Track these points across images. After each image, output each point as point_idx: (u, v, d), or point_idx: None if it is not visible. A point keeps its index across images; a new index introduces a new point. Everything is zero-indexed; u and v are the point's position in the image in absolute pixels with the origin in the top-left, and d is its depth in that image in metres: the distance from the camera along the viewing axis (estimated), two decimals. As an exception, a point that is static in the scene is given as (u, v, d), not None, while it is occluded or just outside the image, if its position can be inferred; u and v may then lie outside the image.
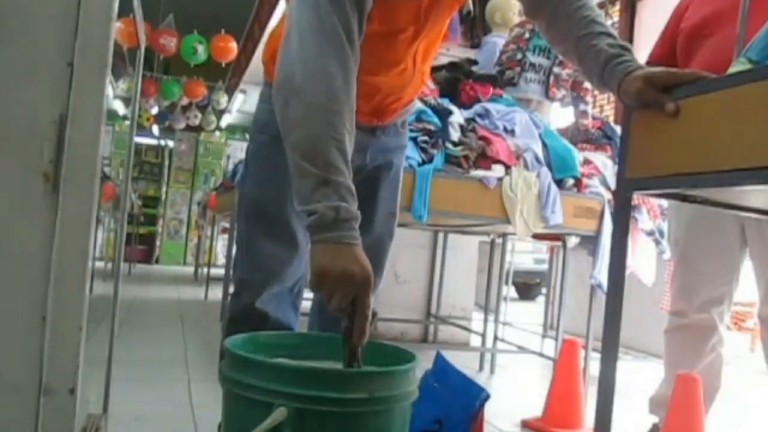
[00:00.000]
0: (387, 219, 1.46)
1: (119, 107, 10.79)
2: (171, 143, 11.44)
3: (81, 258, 1.00)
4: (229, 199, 4.83)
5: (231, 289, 1.45)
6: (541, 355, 3.31)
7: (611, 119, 4.76)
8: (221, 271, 5.47)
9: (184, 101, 9.02)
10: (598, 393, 1.15)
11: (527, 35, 3.10)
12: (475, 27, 4.09)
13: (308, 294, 1.54)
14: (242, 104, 11.09)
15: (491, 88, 2.85)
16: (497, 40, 3.40)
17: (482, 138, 2.53)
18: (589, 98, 3.20)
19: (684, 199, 1.29)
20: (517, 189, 2.50)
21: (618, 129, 2.91)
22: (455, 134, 2.50)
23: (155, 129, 10.91)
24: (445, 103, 2.57)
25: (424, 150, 2.41)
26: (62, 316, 0.99)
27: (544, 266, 6.72)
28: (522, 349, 3.47)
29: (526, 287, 9.64)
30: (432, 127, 2.45)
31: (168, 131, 11.00)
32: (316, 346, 1.15)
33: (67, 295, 0.99)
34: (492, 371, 3.46)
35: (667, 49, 2.09)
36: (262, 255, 1.34)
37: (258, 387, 0.89)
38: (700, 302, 2.01)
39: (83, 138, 1.00)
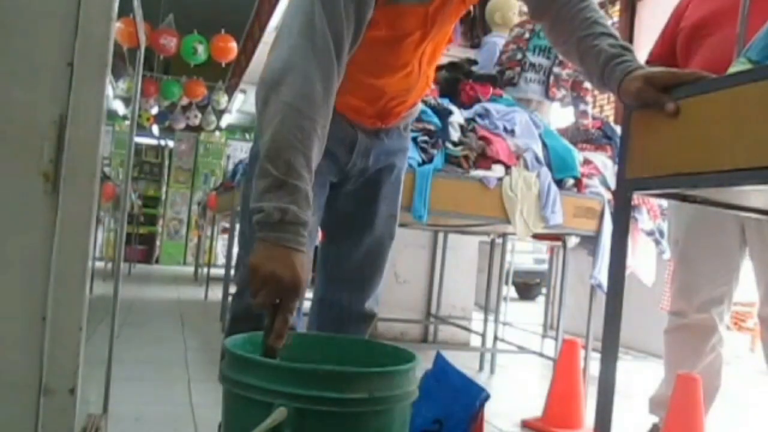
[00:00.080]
0: (388, 221, 1.47)
1: (119, 107, 10.79)
2: (171, 143, 11.44)
3: (81, 258, 1.00)
4: (229, 199, 4.84)
5: (233, 289, 1.45)
6: (541, 355, 3.31)
7: (611, 119, 4.76)
8: (221, 271, 5.47)
9: (184, 101, 9.01)
10: (598, 393, 1.15)
11: (527, 35, 3.10)
12: (475, 27, 4.09)
13: (308, 294, 1.54)
14: (242, 104, 11.09)
15: (491, 88, 2.85)
16: (497, 40, 3.40)
17: (482, 138, 2.53)
18: (589, 98, 3.19)
19: (684, 199, 1.29)
20: (517, 189, 2.50)
21: (618, 129, 2.91)
22: (455, 134, 2.50)
23: (155, 129, 10.91)
24: (445, 103, 2.57)
25: (424, 150, 2.41)
26: (62, 316, 0.99)
27: (544, 266, 6.72)
28: (522, 349, 3.47)
29: (526, 287, 9.64)
30: (432, 127, 2.45)
31: (168, 131, 11.00)
32: (316, 346, 1.15)
33: (67, 295, 0.99)
34: (492, 371, 3.46)
35: (667, 49, 2.09)
36: None
37: (258, 387, 0.89)
38: (700, 302, 2.01)
39: (83, 138, 1.00)
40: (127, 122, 9.90)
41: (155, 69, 9.39)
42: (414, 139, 2.38)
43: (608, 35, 1.18)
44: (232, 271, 4.63)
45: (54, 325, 0.98)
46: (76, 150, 1.00)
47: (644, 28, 5.32)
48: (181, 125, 9.82)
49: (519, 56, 3.08)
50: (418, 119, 2.38)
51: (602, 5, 5.41)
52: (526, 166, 2.58)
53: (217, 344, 3.29)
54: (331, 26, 1.05)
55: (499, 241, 3.70)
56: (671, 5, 2.17)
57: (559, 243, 3.05)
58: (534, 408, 2.52)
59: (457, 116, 2.55)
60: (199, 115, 9.51)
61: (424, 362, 1.07)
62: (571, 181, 2.67)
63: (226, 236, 7.01)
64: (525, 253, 8.44)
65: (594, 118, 3.21)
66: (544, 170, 2.60)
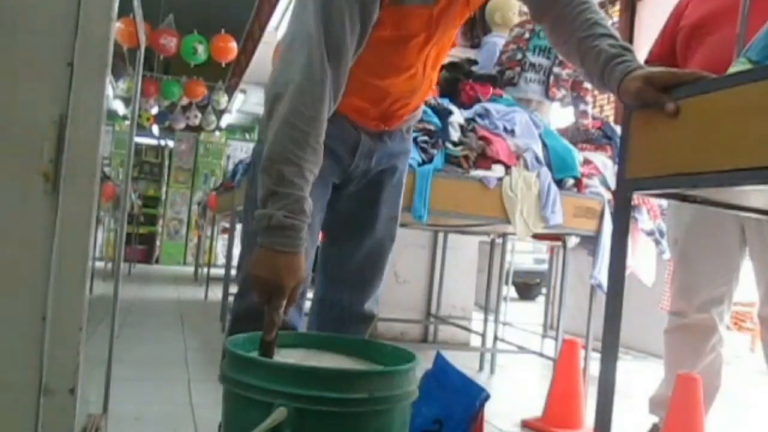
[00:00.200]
0: (388, 223, 1.48)
1: (119, 107, 10.79)
2: (171, 143, 11.44)
3: (81, 258, 1.00)
4: (229, 199, 4.83)
5: (233, 289, 1.46)
6: (541, 355, 3.31)
7: (611, 119, 4.76)
8: (221, 271, 5.47)
9: (184, 101, 9.01)
10: (598, 393, 1.15)
11: (527, 35, 3.10)
12: (475, 27, 4.09)
13: (309, 294, 1.55)
14: (242, 104, 11.10)
15: (491, 88, 2.85)
16: (497, 40, 3.40)
17: (482, 138, 2.53)
18: (589, 98, 3.19)
19: (684, 199, 1.29)
20: (517, 189, 2.50)
21: (618, 129, 2.91)
22: (455, 134, 2.50)
23: (155, 129, 10.91)
24: (445, 103, 2.57)
25: (424, 150, 2.41)
26: (62, 316, 0.99)
27: (544, 266, 6.72)
28: (522, 349, 3.47)
29: (526, 287, 9.63)
30: (432, 127, 2.45)
31: (168, 131, 11.00)
32: (316, 346, 1.15)
33: (67, 295, 0.99)
34: (492, 371, 3.46)
35: (667, 48, 2.09)
36: None
37: (258, 387, 0.89)
38: (700, 302, 2.01)
39: (83, 138, 1.00)
40: (127, 122, 9.90)
41: (155, 69, 9.38)
42: (414, 139, 2.37)
43: (608, 36, 1.18)
44: (233, 271, 4.64)
45: (54, 325, 0.98)
46: (76, 150, 1.00)
47: (644, 28, 5.32)
48: (181, 125, 9.82)
49: (519, 56, 3.08)
50: (419, 119, 2.39)
51: (602, 5, 5.41)
52: (526, 166, 2.58)
53: (217, 344, 3.29)
54: (328, 31, 1.08)
55: (499, 241, 3.70)
56: (671, 5, 2.17)
57: (559, 243, 3.05)
58: (534, 408, 2.52)
59: (457, 116, 2.54)
60: (199, 115, 9.51)
61: (424, 362, 1.07)
62: (571, 181, 2.67)
63: (226, 236, 7.02)
64: (525, 253, 8.44)
65: (594, 118, 3.21)
66: (544, 170, 2.60)
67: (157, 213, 11.17)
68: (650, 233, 2.92)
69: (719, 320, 2.01)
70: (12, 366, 0.99)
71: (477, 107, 2.70)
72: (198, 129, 10.40)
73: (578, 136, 3.06)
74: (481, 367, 3.49)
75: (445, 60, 3.01)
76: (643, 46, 3.79)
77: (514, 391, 3.17)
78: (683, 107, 1.03)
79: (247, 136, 12.00)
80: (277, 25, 6.76)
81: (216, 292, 5.71)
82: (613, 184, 2.71)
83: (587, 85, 3.08)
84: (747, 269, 2.04)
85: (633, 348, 4.43)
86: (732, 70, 1.11)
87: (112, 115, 10.73)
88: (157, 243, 11.10)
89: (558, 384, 2.43)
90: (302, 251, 1.07)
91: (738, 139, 0.94)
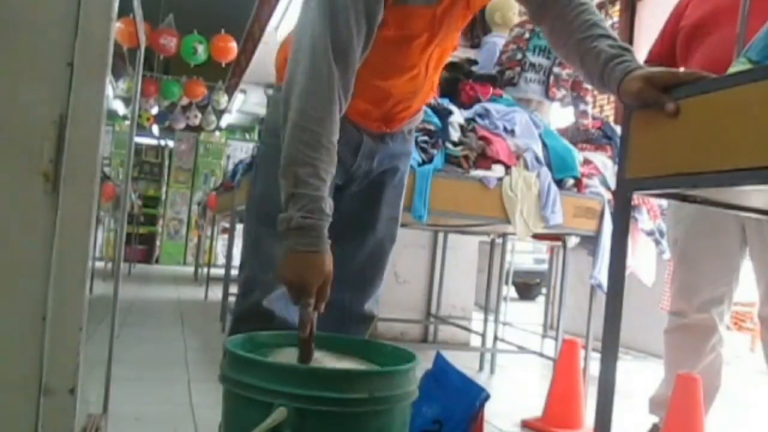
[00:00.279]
0: (389, 223, 1.48)
1: (119, 107, 10.78)
2: (171, 143, 11.44)
3: (81, 258, 1.00)
4: (229, 199, 4.83)
5: (233, 289, 1.47)
6: (541, 355, 3.31)
7: (611, 119, 4.76)
8: (221, 271, 5.47)
9: (184, 101, 9.01)
10: (598, 393, 1.15)
11: (527, 35, 3.10)
12: (475, 27, 4.08)
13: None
14: (242, 104, 11.09)
15: (491, 88, 2.85)
16: (497, 40, 3.40)
17: (482, 138, 2.53)
18: (589, 98, 3.19)
19: (684, 199, 1.29)
20: (517, 189, 2.50)
21: (618, 129, 2.91)
22: (455, 134, 2.50)
23: (155, 129, 10.90)
24: (445, 103, 2.57)
25: (424, 150, 2.41)
26: (62, 316, 0.99)
27: (544, 266, 6.72)
28: (522, 349, 3.47)
29: (526, 287, 9.63)
30: (432, 127, 2.45)
31: (168, 131, 11.00)
32: (316, 346, 1.15)
33: (67, 295, 0.99)
34: (492, 371, 3.46)
35: (667, 48, 2.09)
36: (272, 255, 1.36)
37: (258, 387, 0.89)
38: (700, 302, 2.01)
39: (83, 138, 1.00)
40: (127, 122, 9.90)
41: (155, 69, 9.38)
42: (414, 139, 2.38)
43: (607, 36, 1.19)
44: (233, 271, 4.63)
45: (54, 325, 0.98)
46: (76, 150, 1.00)
47: (644, 28, 5.32)
48: (181, 125, 9.82)
49: (519, 56, 3.08)
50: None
51: (602, 5, 5.41)
52: (526, 166, 2.58)
53: (217, 344, 3.29)
54: (333, 33, 1.09)
55: (499, 241, 3.70)
56: (671, 5, 2.17)
57: (559, 243, 3.05)
58: (534, 408, 2.52)
59: (457, 116, 2.54)
60: (199, 115, 9.50)
61: (424, 362, 1.07)
62: (571, 181, 2.67)
63: (226, 236, 7.02)
64: (525, 253, 8.44)
65: (594, 118, 3.21)
66: (544, 170, 2.60)
67: (157, 213, 11.17)
68: (650, 233, 2.92)
69: (719, 320, 2.01)
70: (12, 366, 0.99)
71: (477, 107, 2.70)
72: (198, 129, 10.40)
73: (578, 136, 3.06)
74: (481, 367, 3.49)
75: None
76: (643, 46, 3.79)
77: (514, 391, 3.17)
78: (683, 107, 1.03)
79: (247, 136, 12.00)
80: (277, 25, 6.76)
81: (216, 292, 5.71)
82: (613, 184, 2.71)
83: (587, 85, 3.08)
84: (747, 269, 2.04)
85: (633, 348, 4.43)
86: (732, 70, 1.11)
87: (112, 115, 10.73)
88: (157, 243, 11.10)
89: (558, 384, 2.43)
90: (325, 249, 1.08)
91: (738, 139, 0.94)
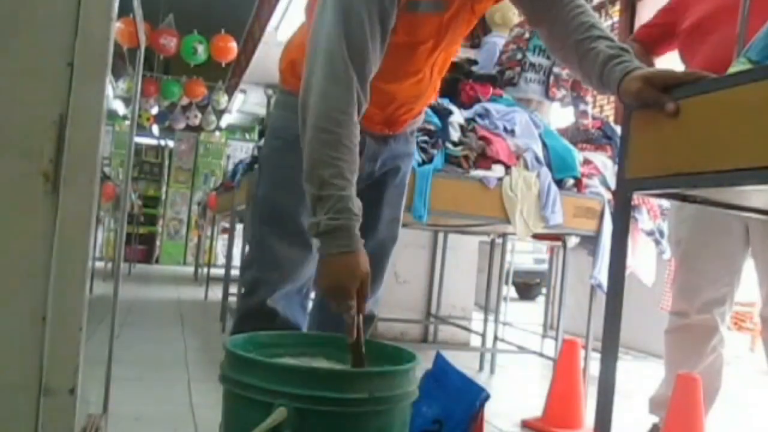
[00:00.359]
0: (391, 224, 1.49)
1: (119, 107, 10.78)
2: (171, 143, 11.44)
3: (81, 258, 1.00)
4: (229, 199, 4.83)
5: (233, 289, 1.47)
6: (541, 355, 3.31)
7: (611, 119, 4.76)
8: (221, 271, 5.47)
9: (184, 101, 9.01)
10: (598, 393, 1.15)
11: (527, 35, 3.10)
12: (475, 27, 4.08)
13: (311, 294, 1.55)
14: (242, 104, 11.08)
15: (491, 88, 2.84)
16: (497, 40, 3.40)
17: (482, 138, 2.53)
18: (589, 98, 3.19)
19: (684, 199, 1.29)
20: (517, 189, 2.50)
21: (618, 129, 2.91)
22: (455, 134, 2.50)
23: (155, 129, 10.90)
24: (445, 103, 2.57)
25: (424, 150, 2.41)
26: (62, 316, 0.99)
27: (544, 266, 6.72)
28: (522, 349, 3.47)
29: (526, 287, 9.63)
30: (432, 127, 2.45)
31: (168, 131, 10.99)
32: (316, 346, 1.15)
33: (67, 295, 0.99)
34: (492, 371, 3.46)
35: (655, 37, 2.10)
36: (277, 255, 1.37)
37: (258, 387, 0.89)
38: (701, 303, 2.01)
39: (83, 138, 1.00)
40: (127, 122, 9.90)
41: (155, 69, 9.38)
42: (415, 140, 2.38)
43: (605, 38, 1.20)
44: (233, 271, 4.63)
45: (54, 325, 0.98)
46: (76, 150, 1.00)
47: (644, 28, 5.31)
48: (181, 125, 9.82)
49: (519, 56, 3.08)
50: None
51: (602, 5, 5.41)
52: (526, 166, 2.58)
53: (217, 344, 3.29)
54: (350, 38, 1.09)
55: (499, 241, 3.70)
56: (671, 5, 2.17)
57: (559, 243, 3.05)
58: (534, 408, 2.52)
59: (457, 116, 2.54)
60: (199, 115, 9.50)
61: (424, 362, 1.07)
62: (571, 181, 2.67)
63: (226, 236, 7.02)
64: (525, 253, 8.43)
65: (594, 118, 3.21)
66: (544, 170, 2.60)
67: (157, 213, 11.17)
68: (650, 233, 2.92)
69: (720, 321, 2.01)
70: (12, 366, 0.99)
71: (477, 107, 2.70)
72: (198, 129, 10.40)
73: (578, 136, 3.06)
74: (481, 367, 3.49)
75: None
76: (643, 46, 3.78)
77: (514, 391, 3.17)
78: (683, 107, 1.03)
79: (247, 136, 12.00)
80: (277, 25, 6.76)
81: (216, 292, 5.71)
82: (613, 184, 2.71)
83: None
84: (748, 269, 2.04)
85: (633, 348, 4.43)
86: (732, 70, 1.11)
87: (112, 115, 10.73)
88: (157, 243, 11.10)
89: (558, 384, 2.43)
90: (358, 248, 1.07)
91: (738, 139, 0.94)
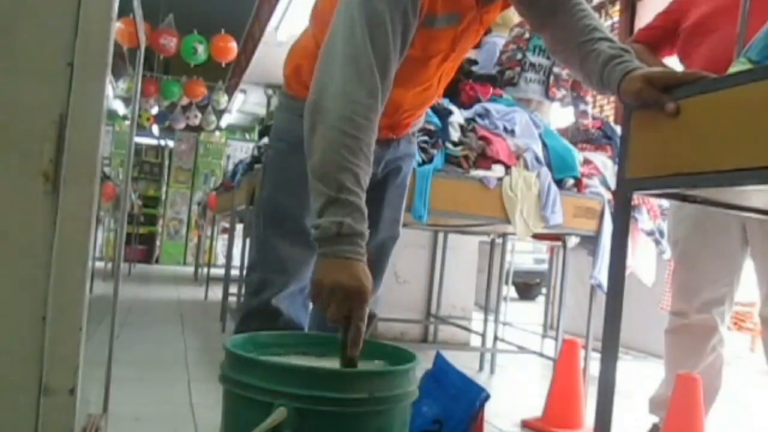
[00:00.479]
0: (391, 224, 1.50)
1: (119, 107, 10.79)
2: (171, 143, 11.44)
3: (81, 258, 1.00)
4: (229, 199, 4.83)
5: (233, 289, 1.47)
6: (541, 355, 3.31)
7: (611, 119, 4.76)
8: (221, 271, 5.47)
9: (184, 101, 9.02)
10: (598, 393, 1.15)
11: (527, 35, 3.10)
12: (476, 27, 4.08)
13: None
14: (242, 104, 11.10)
15: (491, 88, 2.84)
16: (497, 40, 3.40)
17: (482, 138, 2.53)
18: (589, 98, 3.19)
19: (684, 199, 1.29)
20: (517, 189, 2.50)
21: (618, 129, 2.91)
22: (455, 134, 2.50)
23: (155, 129, 10.91)
24: (445, 103, 2.57)
25: (424, 150, 2.41)
26: (62, 316, 0.99)
27: (544, 266, 6.72)
28: (522, 349, 3.47)
29: (526, 287, 9.63)
30: (432, 127, 2.45)
31: (168, 131, 11.00)
32: (317, 346, 1.15)
33: (67, 295, 0.99)
34: (492, 371, 3.46)
35: (657, 38, 2.09)
36: (280, 256, 1.37)
37: (258, 387, 0.89)
38: (700, 302, 2.01)
39: (83, 138, 1.00)
40: (127, 122, 9.90)
41: (155, 69, 9.38)
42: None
43: (607, 39, 1.20)
44: (233, 271, 4.64)
45: (54, 325, 0.98)
46: (76, 150, 1.00)
47: (644, 28, 5.30)
48: (181, 125, 9.82)
49: (519, 56, 3.08)
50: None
51: (602, 5, 5.41)
52: (526, 166, 2.58)
53: (217, 344, 3.29)
54: (376, 47, 1.07)
55: (499, 241, 3.70)
56: (671, 5, 2.17)
57: (559, 243, 3.05)
58: (534, 408, 2.52)
59: (457, 116, 2.54)
60: (199, 115, 9.51)
61: (424, 362, 1.07)
62: (571, 181, 2.67)
63: (226, 236, 7.02)
64: (525, 253, 8.44)
65: (594, 118, 3.21)
66: (544, 170, 2.60)
67: (157, 213, 11.17)
68: (650, 233, 2.92)
69: (720, 321, 2.01)
70: (12, 366, 0.99)
71: (477, 107, 2.70)
72: (198, 129, 10.40)
73: (578, 136, 3.06)
74: (481, 367, 3.49)
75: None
76: (643, 46, 3.78)
77: (514, 391, 3.17)
78: (683, 107, 1.03)
79: (247, 136, 12.00)
80: (277, 25, 6.76)
81: (216, 292, 5.71)
82: (613, 184, 2.71)
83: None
84: (748, 269, 2.04)
85: (633, 348, 4.43)
86: (732, 70, 1.11)
87: (112, 115, 10.73)
88: (157, 243, 11.10)
89: (558, 384, 2.43)
90: (365, 260, 1.02)
91: (738, 139, 0.94)
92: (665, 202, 2.76)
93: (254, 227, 1.51)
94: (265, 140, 3.85)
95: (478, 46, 3.86)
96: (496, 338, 3.60)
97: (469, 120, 2.60)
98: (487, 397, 1.30)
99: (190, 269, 9.49)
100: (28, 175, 0.99)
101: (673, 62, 2.10)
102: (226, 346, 0.98)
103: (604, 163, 2.87)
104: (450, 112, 2.52)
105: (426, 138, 2.43)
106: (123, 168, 8.99)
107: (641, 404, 2.21)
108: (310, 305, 1.44)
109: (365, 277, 0.99)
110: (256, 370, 0.91)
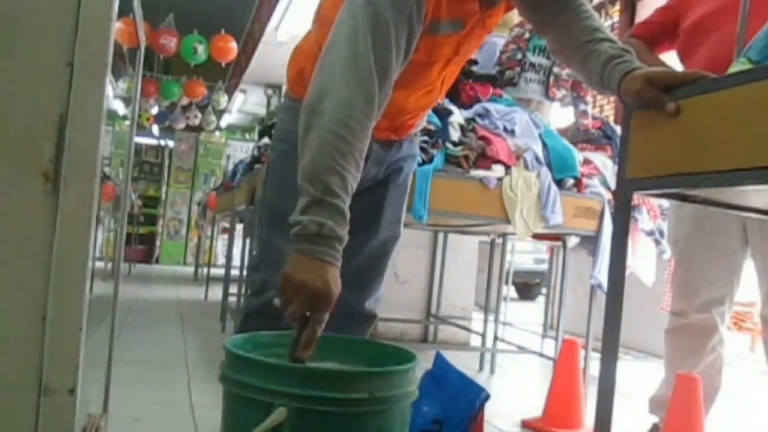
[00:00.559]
0: (392, 225, 1.50)
1: (119, 107, 10.79)
2: (171, 143, 11.44)
3: (81, 258, 1.00)
4: (229, 199, 4.83)
5: (233, 289, 1.48)
6: (541, 355, 3.31)
7: (611, 119, 4.76)
8: (221, 271, 5.47)
9: (184, 101, 9.02)
10: (598, 393, 1.15)
11: (527, 35, 3.10)
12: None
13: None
14: (242, 104, 11.10)
15: (491, 88, 2.84)
16: (497, 40, 3.40)
17: (482, 138, 2.53)
18: (589, 98, 3.19)
19: (684, 199, 1.29)
20: (517, 189, 2.50)
21: (618, 129, 2.91)
22: (455, 134, 2.50)
23: (155, 129, 10.91)
24: (445, 103, 2.57)
25: (424, 150, 2.41)
26: (62, 316, 0.99)
27: (544, 266, 6.72)
28: (522, 349, 3.47)
29: (526, 287, 9.63)
30: (432, 127, 2.45)
31: (168, 131, 11.00)
32: (316, 347, 1.15)
33: (67, 295, 0.99)
34: (492, 371, 3.46)
35: (654, 34, 2.09)
36: (283, 256, 1.37)
37: (258, 387, 0.89)
38: (700, 302, 2.01)
39: (83, 138, 1.00)
40: (127, 122, 9.90)
41: (155, 69, 9.38)
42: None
43: (608, 40, 1.21)
44: (233, 271, 4.64)
45: (54, 325, 0.98)
46: (76, 150, 1.00)
47: (644, 28, 5.30)
48: (181, 125, 9.82)
49: (519, 56, 3.08)
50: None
51: (602, 5, 5.41)
52: (526, 166, 2.58)
53: (217, 344, 3.29)
54: (377, 52, 1.07)
55: (499, 241, 3.70)
56: (671, 5, 2.16)
57: (559, 243, 3.05)
58: (534, 408, 2.52)
59: (457, 116, 2.54)
60: (199, 115, 9.51)
61: (424, 362, 1.07)
62: (571, 181, 2.67)
63: (226, 236, 7.02)
64: (525, 253, 8.44)
65: (594, 118, 3.21)
66: (544, 170, 2.60)
67: (157, 213, 11.17)
68: (650, 233, 2.92)
69: (720, 320, 2.01)
70: (12, 366, 0.99)
71: (477, 107, 2.70)
72: (198, 129, 10.40)
73: (578, 136, 3.06)
74: (481, 367, 3.49)
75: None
76: (643, 46, 3.78)
77: (514, 391, 3.17)
78: (683, 107, 1.03)
79: (247, 136, 12.00)
80: (277, 25, 6.76)
81: (216, 292, 5.71)
82: (613, 184, 2.71)
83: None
84: (748, 269, 2.04)
85: (633, 348, 4.43)
86: (732, 70, 1.11)
87: (112, 115, 10.73)
88: (157, 243, 11.10)
89: (558, 384, 2.43)
90: (339, 266, 1.03)
91: (738, 139, 0.94)
92: (665, 202, 2.76)
93: (257, 228, 1.51)
94: (266, 140, 3.85)
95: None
96: (496, 338, 3.60)
97: (469, 120, 2.60)
98: (487, 397, 1.30)
99: (190, 269, 9.49)
100: (28, 175, 0.99)
101: (672, 59, 2.10)
102: (226, 346, 0.98)
103: (604, 163, 2.87)
104: (450, 112, 2.52)
105: (426, 138, 2.42)
106: (123, 168, 8.99)
107: (641, 404, 2.21)
108: None
109: (334, 283, 1.00)
110: (256, 370, 0.91)
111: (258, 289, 1.41)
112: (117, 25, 1.08)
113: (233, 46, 7.54)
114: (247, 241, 4.23)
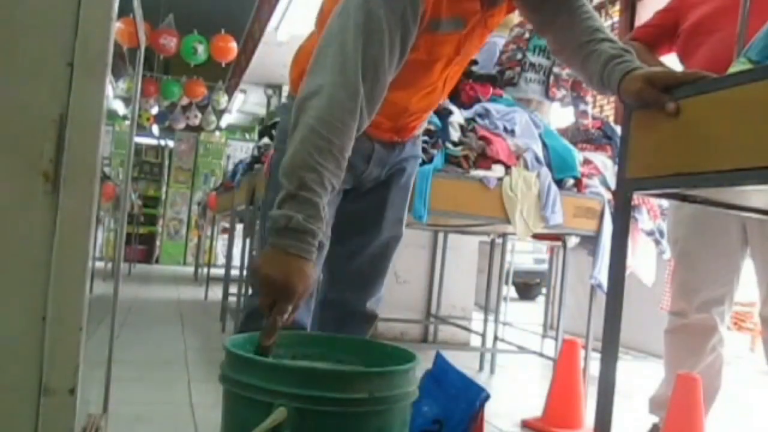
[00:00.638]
0: (394, 225, 1.50)
1: (119, 107, 10.79)
2: (171, 143, 11.44)
3: (81, 258, 1.00)
4: (229, 199, 4.83)
5: (233, 289, 1.47)
6: (541, 355, 3.31)
7: (611, 119, 4.76)
8: (221, 271, 5.47)
9: (184, 101, 9.02)
10: (598, 393, 1.15)
11: (527, 35, 3.10)
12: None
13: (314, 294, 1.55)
14: (242, 104, 11.10)
15: (491, 88, 2.84)
16: (497, 40, 3.40)
17: (482, 138, 2.53)
18: (589, 98, 3.19)
19: (684, 199, 1.29)
20: (517, 189, 2.50)
21: (618, 129, 2.91)
22: (455, 134, 2.50)
23: (155, 129, 10.91)
24: (445, 103, 2.57)
25: (424, 150, 2.41)
26: (62, 316, 0.99)
27: (544, 266, 6.72)
28: (522, 349, 3.47)
29: (526, 287, 9.63)
30: (432, 127, 2.45)
31: (168, 131, 11.00)
32: (316, 346, 1.15)
33: (67, 295, 0.99)
34: (492, 371, 3.46)
35: (654, 36, 2.09)
36: None
37: (258, 387, 0.89)
38: (700, 302, 2.01)
39: (83, 138, 1.00)
40: (127, 122, 9.90)
41: (155, 69, 9.38)
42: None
43: (608, 40, 1.21)
44: (233, 271, 4.64)
45: (54, 325, 0.98)
46: (76, 150, 1.00)
47: (644, 28, 5.30)
48: (181, 125, 9.83)
49: (519, 56, 3.08)
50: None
51: (602, 5, 5.41)
52: (526, 166, 2.58)
53: (217, 344, 3.29)
54: (367, 51, 1.07)
55: (499, 241, 3.70)
56: (671, 5, 2.16)
57: (559, 243, 3.05)
58: (534, 408, 2.52)
59: (457, 116, 2.54)
60: (199, 115, 9.51)
61: (424, 362, 1.07)
62: (571, 181, 2.67)
63: (226, 236, 7.02)
64: (525, 253, 8.44)
65: (594, 118, 3.21)
66: (544, 170, 2.60)
67: (157, 213, 11.17)
68: (650, 233, 2.92)
69: (720, 320, 2.01)
70: (12, 366, 0.99)
71: (477, 107, 2.70)
72: (198, 129, 10.40)
73: (578, 136, 3.06)
74: (481, 367, 3.49)
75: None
76: (643, 46, 3.77)
77: (514, 391, 3.17)
78: (683, 107, 1.03)
79: (247, 136, 12.01)
80: (277, 25, 6.76)
81: (216, 292, 5.71)
82: (613, 184, 2.71)
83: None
84: (748, 269, 2.04)
85: (633, 348, 4.43)
86: (732, 70, 1.11)
87: (112, 115, 10.73)
88: (157, 243, 11.11)
89: (558, 384, 2.43)
90: (314, 260, 1.04)
91: (738, 139, 0.94)
92: (665, 202, 2.76)
93: (259, 227, 1.52)
94: (266, 140, 3.85)
95: (478, 46, 3.87)
96: (496, 338, 3.60)
97: (469, 120, 2.60)
98: (487, 397, 1.30)
99: (190, 269, 9.49)
100: (28, 175, 0.99)
101: (672, 61, 2.10)
102: (226, 346, 0.98)
103: (604, 163, 2.87)
104: (450, 112, 2.52)
105: (426, 138, 2.42)
106: (123, 168, 8.99)
107: (641, 404, 2.21)
108: (312, 305, 1.45)
109: (299, 276, 1.00)
110: (256, 370, 0.91)
111: (256, 288, 1.41)
112: (117, 25, 1.08)
113: (233, 46, 7.54)
114: (247, 241, 4.23)
